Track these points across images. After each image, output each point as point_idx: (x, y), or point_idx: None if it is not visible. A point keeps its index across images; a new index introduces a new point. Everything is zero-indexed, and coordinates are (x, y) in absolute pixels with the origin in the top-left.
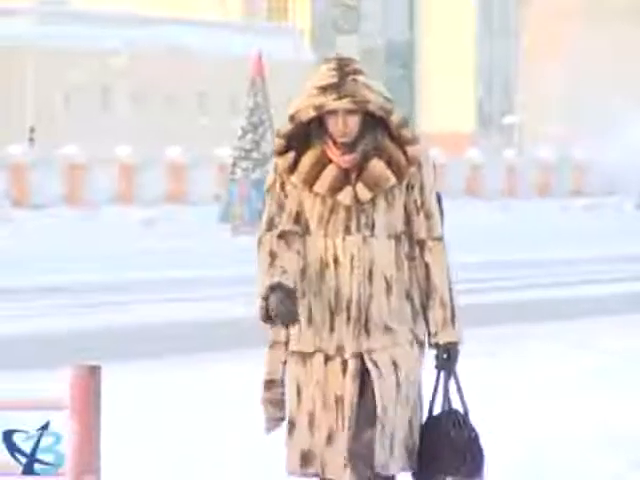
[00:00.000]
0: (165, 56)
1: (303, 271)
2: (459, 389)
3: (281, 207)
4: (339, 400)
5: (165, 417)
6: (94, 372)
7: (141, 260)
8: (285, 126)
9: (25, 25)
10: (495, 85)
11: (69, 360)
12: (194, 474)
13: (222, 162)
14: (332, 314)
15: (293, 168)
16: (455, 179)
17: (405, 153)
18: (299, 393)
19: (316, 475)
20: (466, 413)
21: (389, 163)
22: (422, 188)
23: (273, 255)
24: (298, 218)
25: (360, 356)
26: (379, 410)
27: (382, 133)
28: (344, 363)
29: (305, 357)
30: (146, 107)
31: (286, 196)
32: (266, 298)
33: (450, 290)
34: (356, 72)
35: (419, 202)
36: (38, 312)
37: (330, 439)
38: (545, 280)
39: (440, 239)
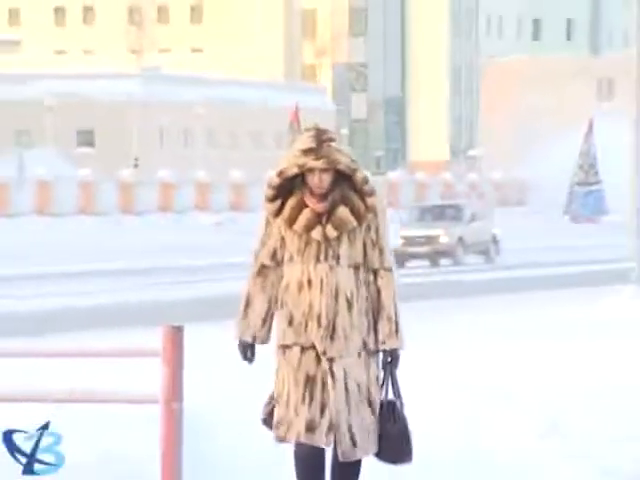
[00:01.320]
0: (229, 106)
1: (286, 287)
2: (396, 385)
3: (263, 244)
4: (310, 379)
5: (236, 366)
6: (179, 330)
7: (214, 249)
8: (274, 179)
9: (132, 85)
10: (463, 128)
11: (166, 321)
12: (256, 413)
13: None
14: (306, 321)
15: (279, 212)
16: (433, 194)
17: (365, 203)
18: (281, 376)
19: (283, 439)
20: (401, 406)
21: (352, 210)
22: (377, 230)
23: (249, 298)
24: (275, 254)
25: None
26: (334, 414)
27: (348, 187)
28: (317, 354)
29: (286, 349)
30: (216, 142)
31: (270, 234)
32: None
33: (396, 308)
34: (330, 139)
35: (374, 240)
36: (143, 287)
37: (296, 411)
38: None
39: (390, 269)
